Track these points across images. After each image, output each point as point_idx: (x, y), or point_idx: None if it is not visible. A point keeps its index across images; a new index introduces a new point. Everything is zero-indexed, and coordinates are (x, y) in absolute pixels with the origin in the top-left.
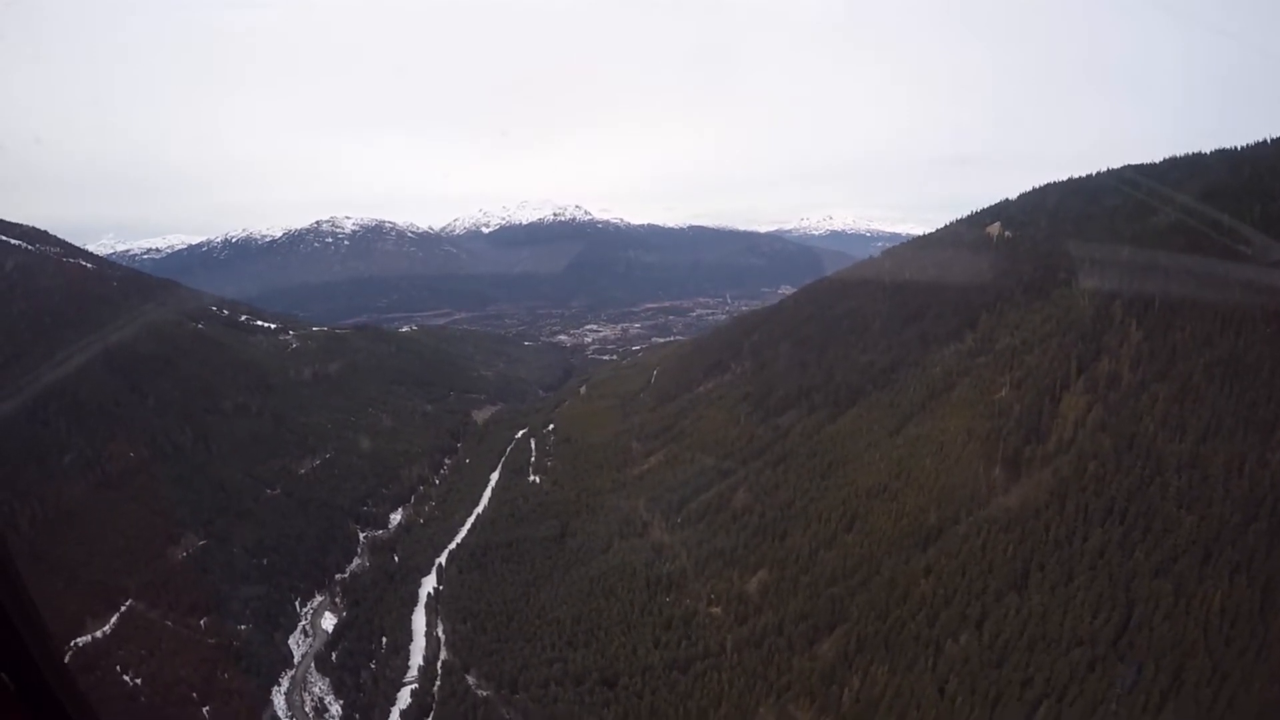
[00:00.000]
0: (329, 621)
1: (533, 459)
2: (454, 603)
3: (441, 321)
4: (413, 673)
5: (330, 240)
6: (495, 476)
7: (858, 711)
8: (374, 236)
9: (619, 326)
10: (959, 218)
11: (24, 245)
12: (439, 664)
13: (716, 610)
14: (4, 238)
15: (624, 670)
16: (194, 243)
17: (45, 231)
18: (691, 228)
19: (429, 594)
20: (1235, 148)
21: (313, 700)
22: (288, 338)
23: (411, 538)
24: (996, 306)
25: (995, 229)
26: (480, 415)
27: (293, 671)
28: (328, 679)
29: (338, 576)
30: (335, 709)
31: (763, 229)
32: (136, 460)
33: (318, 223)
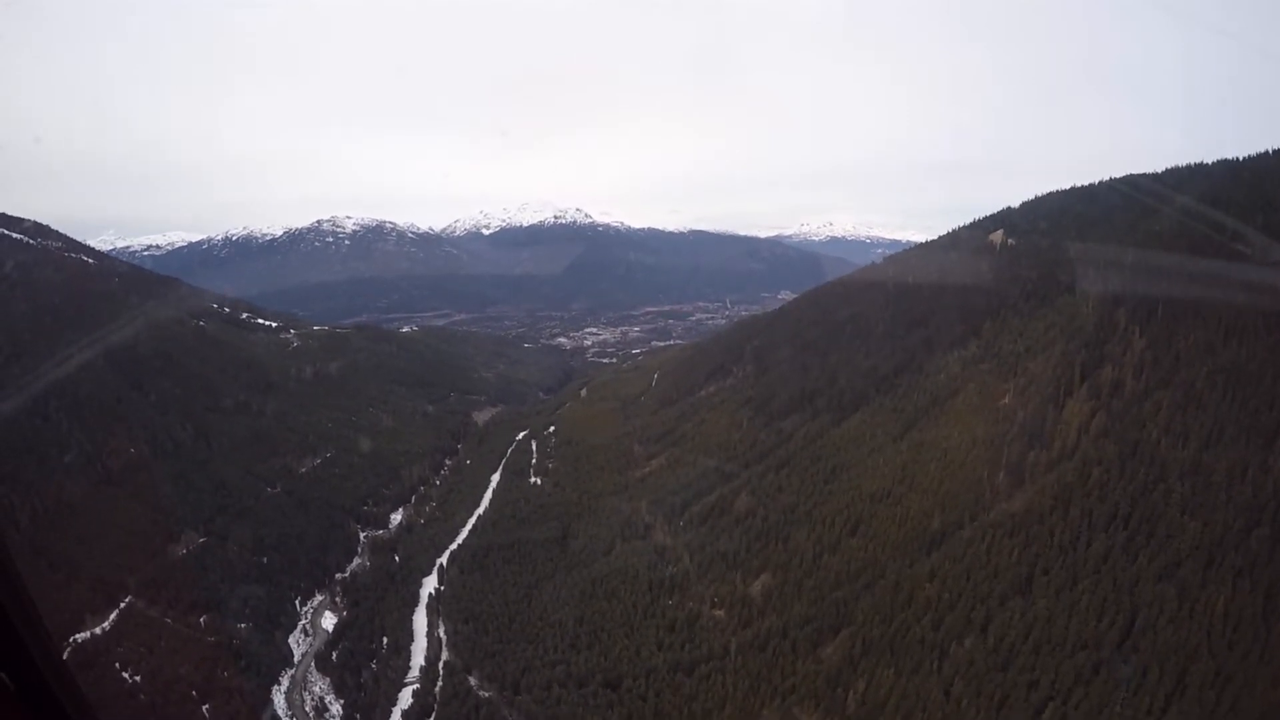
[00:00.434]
0: (329, 621)
1: (534, 461)
2: (455, 603)
3: (441, 322)
4: (414, 673)
5: (331, 240)
6: (496, 478)
7: (863, 714)
8: (374, 237)
9: (618, 330)
10: (961, 225)
11: (26, 240)
12: (441, 665)
13: (720, 613)
14: (5, 232)
15: (627, 672)
16: (194, 240)
17: (47, 226)
18: (692, 232)
19: (430, 594)
20: (1237, 158)
21: (313, 700)
22: (288, 336)
23: (412, 538)
24: (1000, 313)
25: (998, 236)
26: (481, 416)
27: (293, 671)
28: (328, 678)
29: (338, 576)
30: (336, 708)
31: (763, 234)
32: (137, 457)
33: (318, 222)
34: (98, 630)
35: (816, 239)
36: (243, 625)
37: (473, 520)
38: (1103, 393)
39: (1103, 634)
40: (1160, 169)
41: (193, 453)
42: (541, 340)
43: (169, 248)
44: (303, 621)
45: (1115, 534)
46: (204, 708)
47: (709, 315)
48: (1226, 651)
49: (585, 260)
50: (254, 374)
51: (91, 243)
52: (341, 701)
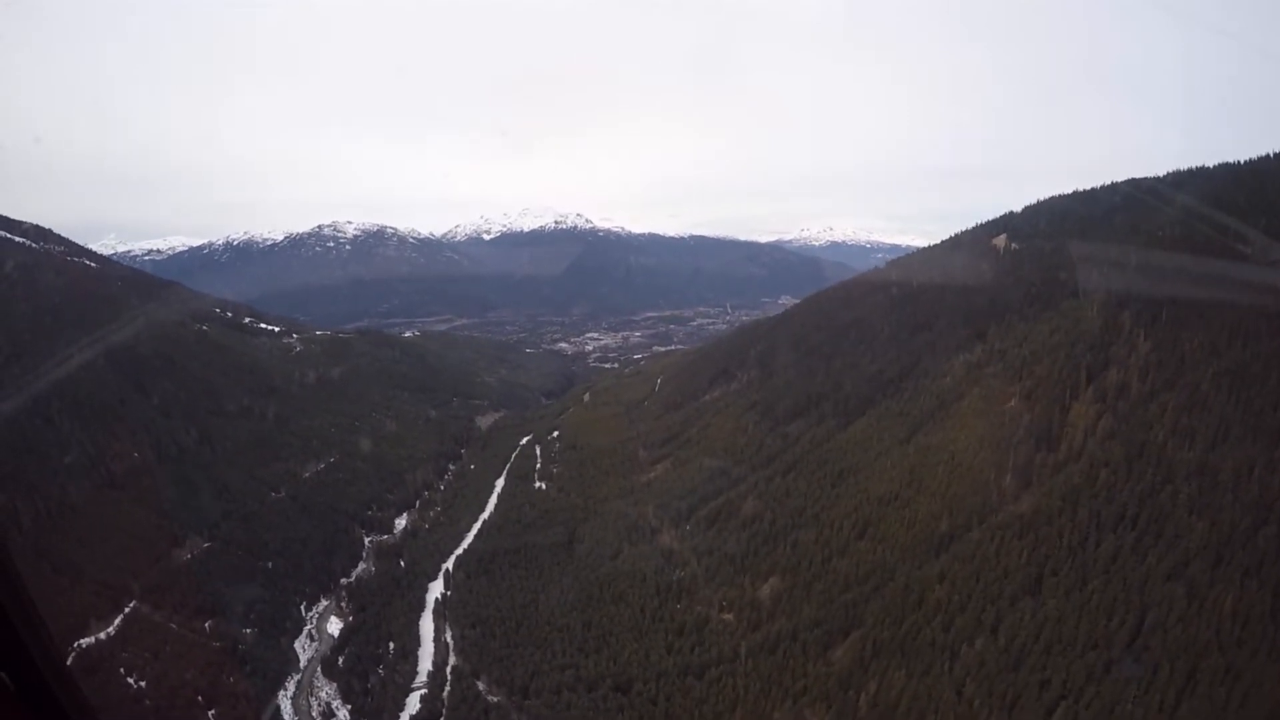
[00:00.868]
0: (335, 626)
1: (538, 465)
2: (462, 608)
3: (442, 327)
4: (422, 678)
5: (332, 245)
6: (500, 482)
7: (875, 716)
8: (375, 242)
9: (620, 334)
10: (964, 229)
11: (28, 243)
12: (448, 669)
13: (729, 616)
14: (7, 235)
15: (637, 676)
16: (195, 244)
17: (49, 230)
18: (692, 237)
19: (436, 599)
20: (1238, 161)
21: (319, 705)
22: (291, 341)
23: (417, 543)
24: (1004, 317)
25: (1002, 240)
26: (484, 421)
27: (299, 676)
28: (334, 683)
29: (343, 581)
30: (343, 713)
31: (763, 239)
32: (140, 461)
33: (319, 227)
34: (102, 635)
35: (817, 244)
36: (248, 630)
37: (478, 525)
38: (1108, 395)
39: (1113, 633)
40: (1162, 173)
41: (196, 456)
42: (543, 345)
43: (170, 252)
44: (308, 627)
45: (1124, 534)
46: (210, 713)
47: (710, 320)
48: (1236, 648)
49: (586, 265)
50: (256, 378)
51: (93, 247)
52: (349, 707)
